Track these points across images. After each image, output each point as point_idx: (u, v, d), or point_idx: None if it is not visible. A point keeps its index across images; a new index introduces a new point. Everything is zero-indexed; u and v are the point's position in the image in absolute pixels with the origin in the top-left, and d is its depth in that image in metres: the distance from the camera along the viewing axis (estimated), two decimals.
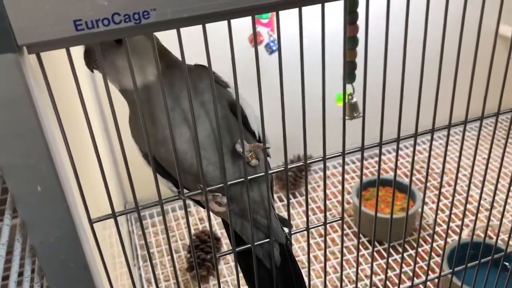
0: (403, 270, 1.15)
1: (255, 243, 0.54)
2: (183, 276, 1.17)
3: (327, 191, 1.42)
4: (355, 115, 0.78)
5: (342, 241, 0.55)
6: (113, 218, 0.46)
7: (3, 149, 0.37)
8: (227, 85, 0.56)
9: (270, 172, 0.50)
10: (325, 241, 0.57)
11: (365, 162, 1.54)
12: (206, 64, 0.43)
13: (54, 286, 0.44)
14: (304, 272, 1.14)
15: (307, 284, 0.62)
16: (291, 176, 1.37)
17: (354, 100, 0.76)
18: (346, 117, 0.77)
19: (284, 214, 1.34)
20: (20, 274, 0.39)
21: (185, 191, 0.47)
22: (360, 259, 1.18)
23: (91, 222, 0.44)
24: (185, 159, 0.53)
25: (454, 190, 0.60)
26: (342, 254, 0.59)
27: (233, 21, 0.40)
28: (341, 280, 0.56)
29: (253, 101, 0.54)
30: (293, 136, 0.70)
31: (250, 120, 0.57)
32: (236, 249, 0.56)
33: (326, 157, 0.52)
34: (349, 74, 0.74)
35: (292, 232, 0.57)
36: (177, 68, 0.53)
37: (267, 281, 0.64)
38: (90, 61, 0.52)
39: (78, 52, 0.47)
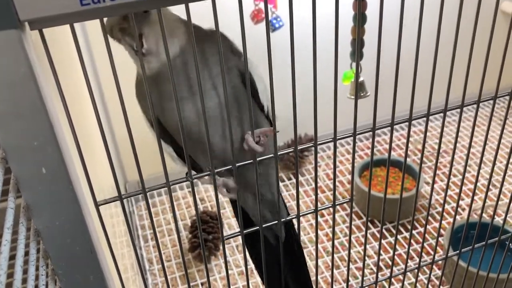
0: (404, 250, 1.16)
1: (263, 225, 0.54)
2: (185, 256, 1.16)
3: (328, 171, 1.42)
4: (362, 94, 0.76)
5: (351, 221, 0.54)
6: (120, 201, 0.45)
7: (6, 130, 0.35)
8: (241, 54, 0.55)
9: (279, 153, 0.49)
10: (333, 221, 0.56)
11: (365, 142, 1.54)
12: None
13: (60, 270, 0.43)
14: (306, 252, 1.14)
15: (310, 263, 0.62)
16: (291, 156, 1.36)
17: (361, 79, 0.75)
18: (351, 96, 0.76)
19: (286, 194, 1.34)
20: (26, 258, 0.39)
21: (193, 172, 0.46)
22: (362, 239, 1.18)
23: (97, 204, 0.43)
24: (192, 129, 0.52)
25: (465, 169, 0.59)
26: (351, 233, 0.59)
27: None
28: (349, 259, 0.55)
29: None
30: (303, 115, 0.68)
31: (260, 92, 0.56)
32: (244, 231, 0.55)
33: (337, 137, 0.51)
34: (355, 52, 0.72)
35: (301, 214, 0.56)
36: (200, 39, 0.51)
37: (271, 256, 0.64)
38: (122, 33, 0.50)
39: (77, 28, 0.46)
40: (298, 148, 0.50)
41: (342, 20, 0.45)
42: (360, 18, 0.60)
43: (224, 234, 1.22)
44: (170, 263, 1.16)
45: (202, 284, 1.10)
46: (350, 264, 1.12)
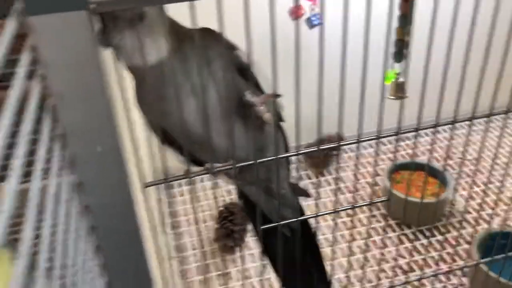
0: (429, 255, 1.15)
1: (282, 222, 0.54)
2: (209, 246, 1.18)
3: (356, 173, 1.41)
4: (400, 95, 0.76)
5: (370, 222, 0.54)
6: (165, 183, 0.46)
7: (69, 108, 0.37)
8: (235, 47, 0.54)
9: (301, 152, 0.49)
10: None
11: (401, 144, 1.52)
12: None
13: (105, 247, 0.45)
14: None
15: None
16: (320, 155, 1.36)
17: (401, 80, 0.74)
18: (391, 97, 0.76)
19: (312, 191, 1.34)
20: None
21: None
22: (387, 241, 1.18)
23: (144, 185, 0.45)
24: (192, 130, 0.52)
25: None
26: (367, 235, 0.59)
27: None
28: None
29: (288, 76, 0.53)
30: (329, 114, 0.68)
31: (261, 81, 0.55)
32: (262, 227, 0.55)
33: (360, 139, 0.51)
34: (397, 53, 0.72)
35: (319, 213, 0.56)
36: (187, 41, 0.50)
37: (285, 248, 0.63)
38: (104, 38, 0.48)
39: None
40: (322, 147, 0.49)
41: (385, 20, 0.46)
42: (404, 19, 0.60)
43: (250, 227, 1.23)
44: (195, 251, 1.18)
45: (226, 274, 1.11)
46: (370, 266, 1.12)
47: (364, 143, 1.50)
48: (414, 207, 1.13)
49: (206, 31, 0.51)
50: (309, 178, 1.39)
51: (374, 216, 1.28)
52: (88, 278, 0.43)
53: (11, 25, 0.31)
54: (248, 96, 0.49)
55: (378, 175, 1.41)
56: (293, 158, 0.52)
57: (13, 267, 0.24)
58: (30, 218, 0.28)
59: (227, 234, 1.13)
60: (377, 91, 0.55)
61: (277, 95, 0.47)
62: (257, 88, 0.54)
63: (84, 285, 0.40)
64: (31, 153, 0.36)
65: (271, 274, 1.13)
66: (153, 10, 0.46)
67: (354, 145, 1.48)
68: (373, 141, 0.50)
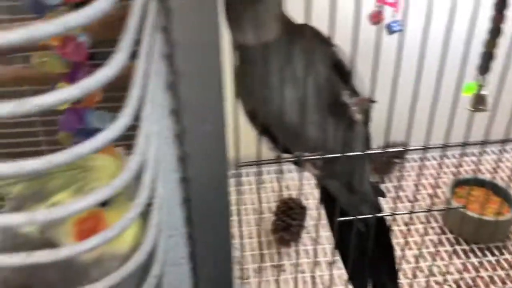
0: (487, 273, 1.12)
1: (358, 216, 0.56)
2: (266, 236, 1.21)
3: (418, 182, 1.40)
4: (481, 107, 0.75)
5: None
6: (256, 165, 0.49)
7: (187, 85, 0.40)
8: (333, 44, 0.56)
9: (388, 150, 0.50)
10: None
11: (466, 159, 1.49)
12: None
13: (196, 217, 0.48)
14: None
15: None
16: (383, 161, 1.36)
17: (484, 92, 0.74)
18: (471, 108, 0.75)
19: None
20: None
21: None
22: (444, 255, 1.17)
23: (237, 165, 0.48)
24: (287, 119, 0.54)
25: None
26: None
27: None
28: None
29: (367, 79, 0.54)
30: (397, 121, 0.68)
31: (355, 78, 0.56)
32: (338, 219, 0.57)
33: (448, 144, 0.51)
34: (483, 65, 0.71)
35: (394, 213, 0.57)
36: (292, 32, 0.53)
37: (358, 244, 0.64)
38: (225, 12, 0.51)
39: None
40: (389, 150, 0.51)
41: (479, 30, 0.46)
42: (497, 32, 0.60)
43: (307, 224, 1.24)
44: (251, 240, 1.21)
45: (280, 265, 1.14)
46: (422, 274, 1.11)
47: (429, 155, 1.49)
48: (473, 223, 1.11)
49: (308, 26, 0.53)
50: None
51: (432, 227, 1.27)
52: (173, 243, 0.47)
53: (152, 5, 0.35)
54: (345, 96, 0.51)
55: (439, 187, 1.39)
56: None
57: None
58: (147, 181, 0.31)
59: (284, 228, 1.16)
60: (456, 102, 0.55)
61: (372, 101, 0.49)
62: (350, 86, 0.56)
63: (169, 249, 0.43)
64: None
65: (324, 271, 1.15)
66: None
67: (417, 156, 1.47)
68: (438, 153, 0.51)
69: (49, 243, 0.29)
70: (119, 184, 0.22)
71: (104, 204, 0.31)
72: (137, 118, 0.27)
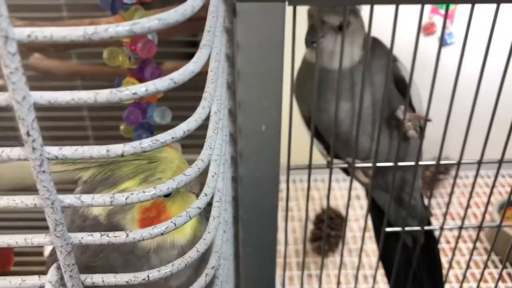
0: None
1: (404, 228, 0.55)
2: (302, 244, 1.21)
3: (461, 200, 1.36)
4: None
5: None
6: (308, 169, 0.49)
7: (246, 86, 0.41)
8: (396, 58, 0.57)
9: (420, 163, 0.50)
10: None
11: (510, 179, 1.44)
12: None
13: (245, 216, 0.49)
14: None
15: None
16: (427, 176, 1.33)
17: None
18: None
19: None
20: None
21: (334, 161, 0.50)
22: (488, 277, 1.13)
23: (289, 168, 0.49)
24: (341, 127, 0.55)
25: None
26: None
27: (407, 8, 0.40)
28: None
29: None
30: (447, 136, 0.67)
31: (413, 98, 0.57)
32: (386, 229, 0.57)
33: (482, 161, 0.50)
34: None
35: (444, 227, 0.56)
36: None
37: (405, 259, 0.64)
38: (310, 40, 0.53)
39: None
40: (441, 163, 0.50)
41: None
42: None
43: (348, 235, 1.24)
44: (288, 247, 1.21)
45: (315, 275, 1.14)
46: None
47: (483, 172, 1.45)
48: None
49: (376, 41, 0.55)
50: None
51: (476, 248, 1.23)
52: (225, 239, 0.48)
53: (222, 8, 0.36)
54: (399, 112, 0.52)
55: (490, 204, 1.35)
56: None
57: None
58: (221, 175, 0.32)
59: (322, 237, 1.15)
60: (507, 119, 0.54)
61: (427, 119, 0.49)
62: (409, 103, 0.57)
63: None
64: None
65: (361, 284, 1.13)
66: (356, 20, 0.50)
67: (464, 173, 1.44)
68: (490, 171, 0.51)
69: (115, 228, 0.31)
70: (191, 174, 0.23)
71: (167, 195, 0.32)
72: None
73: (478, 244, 1.23)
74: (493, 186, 0.53)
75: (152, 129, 0.43)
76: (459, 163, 0.50)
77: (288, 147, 0.46)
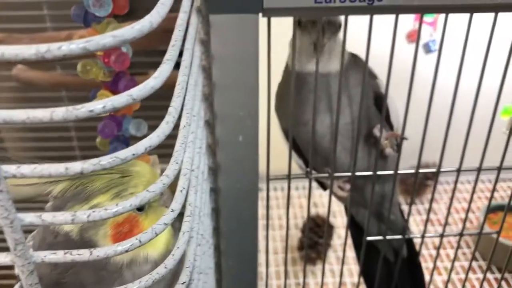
0: None
1: (383, 238, 0.55)
2: (292, 253, 1.20)
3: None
4: None
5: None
6: (288, 180, 0.49)
7: (221, 98, 0.41)
8: (376, 76, 0.57)
9: (399, 172, 0.50)
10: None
11: (501, 185, 1.45)
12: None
13: (225, 227, 0.49)
14: None
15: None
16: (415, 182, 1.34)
17: None
18: (507, 131, 0.74)
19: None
20: None
21: (313, 172, 0.50)
22: (474, 282, 1.13)
23: (268, 178, 0.48)
24: (321, 142, 0.55)
25: None
26: None
27: (391, 16, 0.40)
28: None
29: (400, 97, 0.54)
30: (429, 142, 0.67)
31: (391, 114, 0.57)
32: (369, 238, 0.57)
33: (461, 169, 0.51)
34: None
35: (424, 235, 0.56)
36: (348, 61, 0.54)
37: (386, 274, 0.64)
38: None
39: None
40: (425, 172, 0.51)
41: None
42: None
43: (333, 243, 1.23)
44: (276, 256, 1.20)
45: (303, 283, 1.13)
46: None
47: (463, 179, 1.46)
48: (506, 251, 1.07)
49: (356, 57, 0.55)
50: (402, 204, 1.36)
51: (464, 253, 1.23)
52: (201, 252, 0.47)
53: (194, 20, 0.36)
54: (376, 130, 0.52)
55: (472, 211, 1.35)
56: None
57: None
58: (193, 189, 0.32)
59: (310, 245, 1.15)
60: (494, 125, 0.55)
61: (403, 138, 0.49)
62: (386, 119, 0.57)
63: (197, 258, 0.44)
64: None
65: None
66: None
67: (451, 179, 1.44)
68: (473, 177, 0.51)
69: (87, 244, 0.30)
70: (155, 190, 0.22)
71: (140, 209, 0.32)
72: (175, 127, 0.28)
73: (466, 250, 1.24)
74: (473, 192, 0.53)
75: (128, 142, 0.42)
76: (438, 171, 0.50)
77: (267, 156, 0.46)
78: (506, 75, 0.46)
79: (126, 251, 0.23)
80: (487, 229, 1.17)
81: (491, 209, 1.24)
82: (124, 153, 0.20)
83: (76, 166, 0.20)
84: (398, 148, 0.52)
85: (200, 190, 0.36)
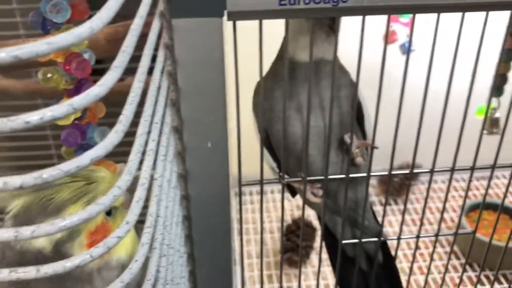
0: None
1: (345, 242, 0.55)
2: (275, 256, 1.20)
3: (431, 205, 1.37)
4: (495, 131, 0.74)
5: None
6: (260, 185, 0.49)
7: (188, 103, 0.40)
8: (354, 84, 0.57)
9: (372, 174, 0.50)
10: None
11: (480, 182, 1.46)
12: None
13: (197, 235, 0.48)
14: None
15: None
16: (396, 182, 1.34)
17: (497, 115, 0.73)
18: (485, 131, 0.74)
19: (385, 220, 1.32)
20: None
21: (286, 176, 0.50)
22: (456, 280, 1.14)
23: (240, 184, 0.48)
24: (296, 143, 0.54)
25: None
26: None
27: (370, 17, 0.40)
28: None
29: (373, 97, 0.54)
30: (409, 142, 0.67)
31: (365, 121, 0.57)
32: (344, 241, 0.56)
33: (434, 169, 0.51)
34: (497, 88, 0.70)
35: (400, 237, 0.56)
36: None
37: (363, 282, 0.63)
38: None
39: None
40: (393, 173, 0.51)
41: (493, 52, 0.46)
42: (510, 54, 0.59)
43: (316, 245, 1.23)
44: (259, 260, 1.20)
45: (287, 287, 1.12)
46: None
47: (443, 177, 1.46)
48: (485, 248, 1.08)
49: (342, 68, 0.55)
50: (381, 204, 1.37)
51: (446, 252, 1.24)
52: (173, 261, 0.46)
53: (156, 25, 0.35)
54: (345, 137, 0.52)
55: (447, 211, 1.37)
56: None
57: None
58: (155, 198, 0.31)
59: (293, 248, 1.14)
60: (467, 125, 0.55)
61: (374, 147, 0.49)
62: (360, 126, 0.57)
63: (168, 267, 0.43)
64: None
65: None
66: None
67: (439, 177, 1.45)
68: (448, 176, 0.51)
69: (64, 258, 0.29)
70: (105, 202, 0.21)
71: (109, 213, 0.32)
72: (133, 134, 0.27)
73: (447, 248, 1.24)
74: (447, 192, 0.53)
75: None
76: (411, 172, 0.50)
77: (238, 162, 0.45)
78: (476, 74, 0.45)
79: (77, 267, 0.22)
80: (468, 227, 1.17)
81: (473, 207, 1.25)
82: (68, 165, 0.19)
83: (15, 181, 0.19)
84: (369, 156, 0.52)
85: (165, 199, 0.35)
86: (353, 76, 0.57)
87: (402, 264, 1.19)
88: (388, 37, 1.11)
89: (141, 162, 0.27)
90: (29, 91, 0.71)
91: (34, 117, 0.18)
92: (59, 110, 0.18)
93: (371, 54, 0.55)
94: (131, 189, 0.25)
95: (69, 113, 0.19)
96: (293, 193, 0.64)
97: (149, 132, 0.30)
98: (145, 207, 0.29)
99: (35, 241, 0.30)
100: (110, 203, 0.22)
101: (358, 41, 0.52)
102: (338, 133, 0.54)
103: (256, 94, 0.57)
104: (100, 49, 0.42)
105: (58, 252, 0.30)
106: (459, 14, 0.43)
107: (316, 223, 1.27)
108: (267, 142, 0.57)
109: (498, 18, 0.45)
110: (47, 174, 0.19)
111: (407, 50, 1.11)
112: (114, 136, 0.22)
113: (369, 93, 0.57)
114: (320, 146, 0.54)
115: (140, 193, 0.26)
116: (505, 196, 0.52)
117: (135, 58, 0.32)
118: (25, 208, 0.31)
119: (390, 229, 1.29)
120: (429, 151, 0.55)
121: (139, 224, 0.28)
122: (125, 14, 0.34)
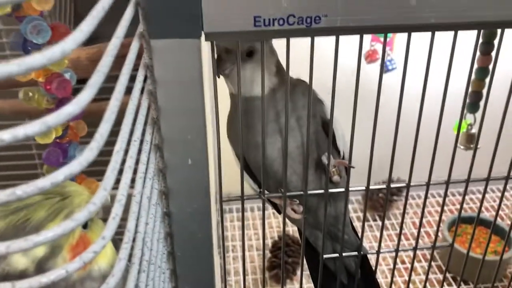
0: None
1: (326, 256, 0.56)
2: (260, 274, 1.20)
3: (415, 220, 1.39)
4: (471, 146, 0.76)
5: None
6: (241, 201, 0.49)
7: (168, 122, 0.41)
8: (322, 101, 0.58)
9: (350, 189, 0.51)
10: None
11: (458, 197, 1.48)
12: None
13: (179, 252, 0.48)
14: None
15: None
16: (381, 197, 1.35)
17: (473, 131, 0.75)
18: (461, 147, 0.76)
19: (369, 234, 1.33)
20: None
21: (266, 192, 0.51)
22: None
23: (221, 200, 0.48)
24: (272, 166, 0.56)
25: None
26: None
27: (351, 36, 0.42)
28: None
29: (362, 117, 0.55)
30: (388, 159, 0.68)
31: (338, 138, 0.59)
32: (325, 256, 0.57)
33: (410, 184, 0.52)
34: (472, 104, 0.72)
35: (379, 251, 0.57)
36: (285, 85, 0.55)
37: None
38: (220, 69, 0.54)
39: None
40: (373, 188, 0.52)
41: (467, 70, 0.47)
42: (483, 72, 0.61)
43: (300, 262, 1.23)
44: (247, 277, 1.19)
45: None
46: None
47: (430, 191, 1.48)
48: (472, 263, 1.09)
49: (301, 82, 0.56)
50: (367, 220, 1.38)
51: (431, 266, 1.25)
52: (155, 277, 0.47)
53: (135, 45, 0.36)
54: (323, 158, 0.53)
55: (429, 226, 1.38)
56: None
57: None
58: (133, 215, 0.32)
59: (280, 264, 1.14)
60: (446, 141, 0.56)
61: (350, 166, 0.50)
62: (333, 145, 0.58)
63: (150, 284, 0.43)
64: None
65: None
66: (264, 48, 0.51)
67: (416, 193, 1.47)
68: (439, 190, 0.52)
69: None
70: (80, 219, 0.22)
71: (85, 226, 0.32)
72: (111, 152, 0.28)
73: (432, 263, 1.25)
74: (424, 206, 0.55)
75: None
76: (388, 187, 0.51)
77: (219, 178, 0.46)
78: (447, 92, 0.47)
79: (53, 282, 0.22)
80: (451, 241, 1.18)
81: (454, 222, 1.26)
82: (42, 182, 0.20)
83: None
84: (346, 174, 0.53)
85: (145, 216, 0.36)
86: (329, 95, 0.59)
87: (387, 279, 1.20)
88: (370, 56, 1.14)
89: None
90: (16, 111, 0.71)
91: (5, 135, 0.18)
92: (32, 129, 0.19)
93: (352, 73, 0.56)
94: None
95: (42, 131, 0.19)
96: (278, 210, 0.65)
97: (127, 150, 0.30)
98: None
99: (17, 263, 0.30)
100: (85, 219, 0.22)
101: (342, 60, 0.53)
102: (312, 152, 0.55)
103: (229, 122, 0.59)
104: (83, 69, 0.42)
105: (42, 270, 0.30)
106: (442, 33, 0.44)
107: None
108: (246, 165, 0.59)
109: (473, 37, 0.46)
110: (20, 190, 0.20)
111: (387, 68, 1.14)
112: (89, 154, 0.22)
113: (345, 108, 0.59)
114: (295, 166, 0.55)
115: (116, 209, 0.26)
116: (479, 210, 0.54)
117: (115, 78, 0.33)
118: (1, 231, 0.31)
119: (375, 244, 1.30)
120: (416, 166, 0.56)
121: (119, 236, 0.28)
122: (110, 35, 0.35)
